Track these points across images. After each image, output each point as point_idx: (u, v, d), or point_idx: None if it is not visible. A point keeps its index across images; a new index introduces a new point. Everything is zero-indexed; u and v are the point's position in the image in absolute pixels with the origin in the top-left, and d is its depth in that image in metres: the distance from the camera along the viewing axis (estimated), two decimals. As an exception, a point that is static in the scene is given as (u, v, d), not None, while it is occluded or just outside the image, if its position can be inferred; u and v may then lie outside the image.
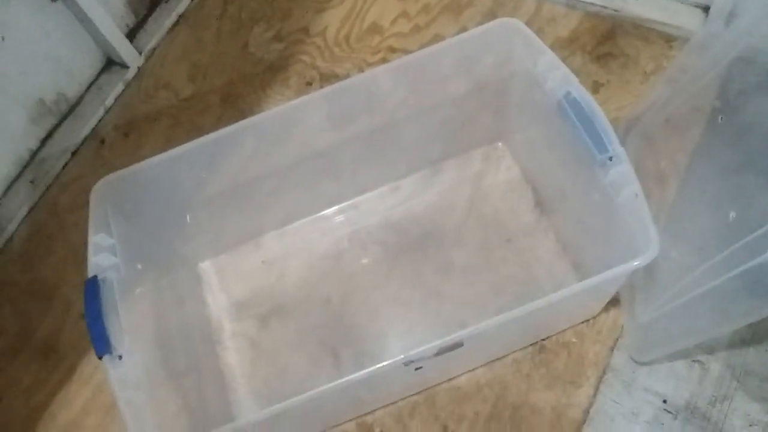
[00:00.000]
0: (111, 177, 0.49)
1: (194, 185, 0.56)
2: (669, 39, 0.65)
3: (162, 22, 0.76)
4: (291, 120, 0.54)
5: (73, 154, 0.71)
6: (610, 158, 0.43)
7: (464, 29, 0.70)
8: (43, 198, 0.69)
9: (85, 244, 0.65)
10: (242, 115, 0.69)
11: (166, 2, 0.77)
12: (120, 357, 0.42)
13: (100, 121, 0.73)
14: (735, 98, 0.57)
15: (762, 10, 0.55)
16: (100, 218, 0.48)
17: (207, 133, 0.69)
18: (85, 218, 0.66)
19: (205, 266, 0.62)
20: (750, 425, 0.50)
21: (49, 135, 0.71)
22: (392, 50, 0.71)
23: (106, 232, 0.47)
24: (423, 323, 0.56)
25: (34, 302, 0.63)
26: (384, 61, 0.70)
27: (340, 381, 0.42)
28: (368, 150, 0.60)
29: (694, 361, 0.52)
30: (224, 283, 0.61)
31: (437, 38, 0.70)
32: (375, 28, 0.72)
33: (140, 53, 0.75)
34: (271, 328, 0.58)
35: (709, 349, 0.52)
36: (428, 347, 0.42)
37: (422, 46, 0.70)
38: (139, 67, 0.75)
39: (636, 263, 0.39)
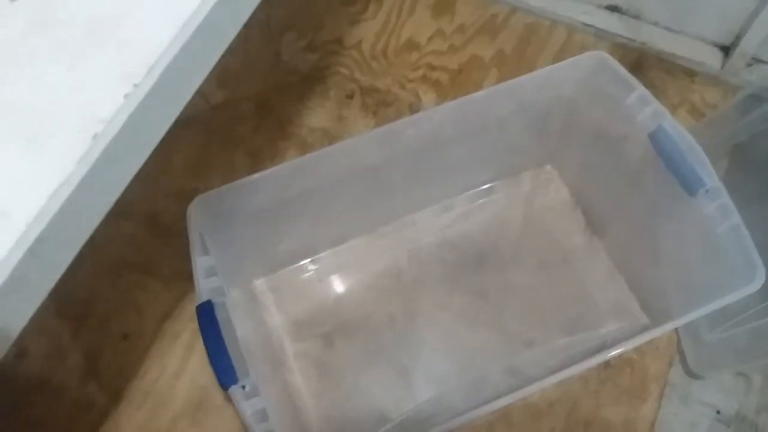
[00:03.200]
0: (207, 195, 0.47)
1: (244, 202, 0.54)
2: (691, 74, 0.71)
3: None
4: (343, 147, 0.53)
5: (94, 160, 0.66)
6: (707, 191, 0.47)
7: (501, 52, 0.72)
8: (63, 207, 0.63)
9: (119, 257, 0.61)
10: (281, 125, 0.68)
11: (189, 2, 0.73)
12: (244, 387, 0.40)
13: (121, 125, 0.68)
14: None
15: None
16: (199, 238, 0.45)
17: (244, 142, 0.67)
18: (116, 229, 0.62)
19: (260, 284, 0.60)
20: (792, 431, 0.55)
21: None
22: (432, 68, 0.71)
23: (206, 252, 0.45)
24: (490, 341, 0.58)
25: (63, 321, 0.58)
26: (424, 78, 0.71)
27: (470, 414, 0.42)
28: (418, 168, 0.60)
29: (738, 374, 0.57)
30: (281, 301, 0.59)
31: (475, 59, 0.72)
32: (412, 45, 0.73)
33: (164, 55, 0.70)
34: (335, 347, 0.57)
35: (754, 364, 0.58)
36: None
37: (461, 66, 0.72)
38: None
39: (748, 290, 0.43)
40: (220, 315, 0.42)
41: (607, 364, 0.57)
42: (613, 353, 0.44)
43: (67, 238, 0.22)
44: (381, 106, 0.69)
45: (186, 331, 0.57)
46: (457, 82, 0.71)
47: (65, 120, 0.21)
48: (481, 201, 0.64)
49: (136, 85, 0.22)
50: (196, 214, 0.46)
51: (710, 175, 0.47)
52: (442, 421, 0.42)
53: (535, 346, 0.57)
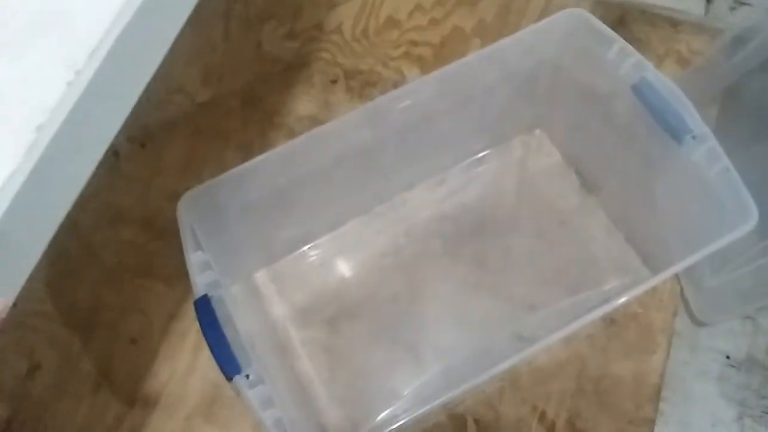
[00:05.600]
0: (196, 190, 0.47)
1: (236, 193, 0.54)
2: (675, 23, 0.70)
3: (163, 25, 0.72)
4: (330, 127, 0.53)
5: (86, 169, 0.66)
6: (693, 137, 0.46)
7: (483, 21, 0.72)
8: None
9: (119, 263, 0.62)
10: (269, 116, 0.68)
11: (165, 3, 0.73)
12: (248, 376, 0.41)
13: (110, 132, 0.68)
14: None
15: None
16: (191, 233, 0.45)
17: (234, 137, 0.67)
18: (114, 236, 0.63)
19: (260, 276, 0.60)
20: (804, 369, 0.55)
21: (59, 151, 0.66)
22: (414, 44, 0.71)
23: (199, 247, 0.45)
24: (494, 308, 0.58)
25: (72, 332, 0.59)
26: (407, 55, 0.70)
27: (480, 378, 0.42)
28: (408, 146, 0.60)
29: (745, 317, 0.57)
30: (283, 291, 0.59)
31: (457, 31, 0.71)
32: (392, 23, 0.72)
33: (144, 58, 0.70)
34: (341, 331, 0.58)
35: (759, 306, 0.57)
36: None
37: (443, 39, 0.71)
38: (144, 73, 0.70)
39: (743, 230, 0.43)
40: (218, 308, 0.42)
41: (612, 320, 0.57)
42: (614, 305, 0.43)
43: (21, 242, 0.22)
44: (366, 87, 0.69)
45: (193, 329, 0.58)
46: (440, 56, 0.71)
47: (8, 112, 0.21)
48: (473, 171, 0.64)
49: (78, 72, 0.22)
50: (186, 210, 0.46)
51: (696, 121, 0.46)
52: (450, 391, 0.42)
53: (539, 309, 0.57)
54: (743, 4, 0.67)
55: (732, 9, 0.67)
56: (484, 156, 0.64)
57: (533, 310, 0.57)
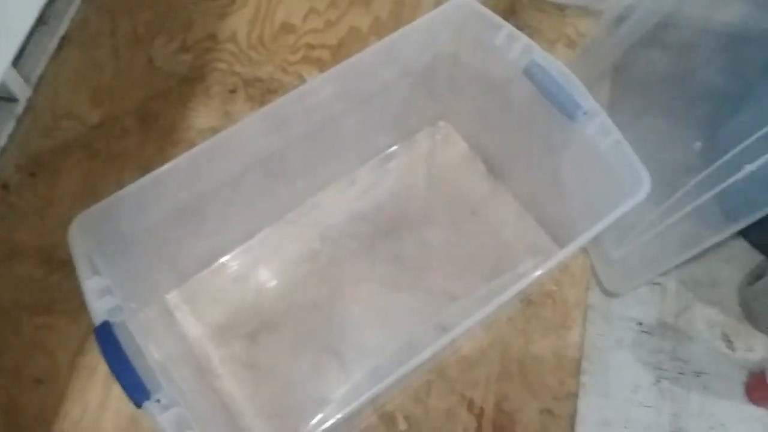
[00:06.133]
0: (89, 213, 0.44)
1: (138, 213, 0.52)
2: (562, 8, 0.72)
3: (44, 46, 0.68)
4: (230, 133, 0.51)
5: (-28, 206, 0.62)
6: (585, 113, 0.48)
7: (378, 19, 0.72)
8: (-53, 262, 0.59)
9: (16, 301, 0.58)
10: (167, 133, 0.66)
11: (44, 24, 0.69)
12: (158, 401, 0.38)
13: (-5, 164, 0.64)
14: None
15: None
16: (86, 259, 0.43)
17: (131, 158, 0.64)
18: (8, 273, 0.59)
19: (173, 297, 0.57)
20: (711, 327, 0.58)
21: (-63, 189, 0.61)
22: (311, 47, 0.70)
23: (96, 273, 0.42)
24: (416, 303, 0.58)
25: (-31, 381, 0.54)
26: (306, 59, 0.69)
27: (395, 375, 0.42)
28: (314, 148, 0.59)
29: (654, 284, 0.60)
30: (198, 310, 0.57)
31: (354, 31, 0.71)
32: (287, 28, 0.71)
33: (27, 83, 0.66)
34: (262, 344, 0.56)
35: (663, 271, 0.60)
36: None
37: (340, 40, 0.71)
38: (28, 99, 0.66)
39: (638, 198, 0.44)
40: (121, 334, 0.40)
41: (529, 301, 0.58)
42: (525, 283, 0.44)
43: None
44: (267, 94, 0.68)
45: (102, 362, 0.54)
46: (339, 57, 0.70)
47: None
48: (382, 168, 0.64)
49: None
50: (79, 234, 0.44)
51: (585, 98, 0.48)
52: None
53: (459, 299, 0.57)
54: (623, -14, 0.70)
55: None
56: (391, 152, 0.65)
57: (454, 300, 0.58)
